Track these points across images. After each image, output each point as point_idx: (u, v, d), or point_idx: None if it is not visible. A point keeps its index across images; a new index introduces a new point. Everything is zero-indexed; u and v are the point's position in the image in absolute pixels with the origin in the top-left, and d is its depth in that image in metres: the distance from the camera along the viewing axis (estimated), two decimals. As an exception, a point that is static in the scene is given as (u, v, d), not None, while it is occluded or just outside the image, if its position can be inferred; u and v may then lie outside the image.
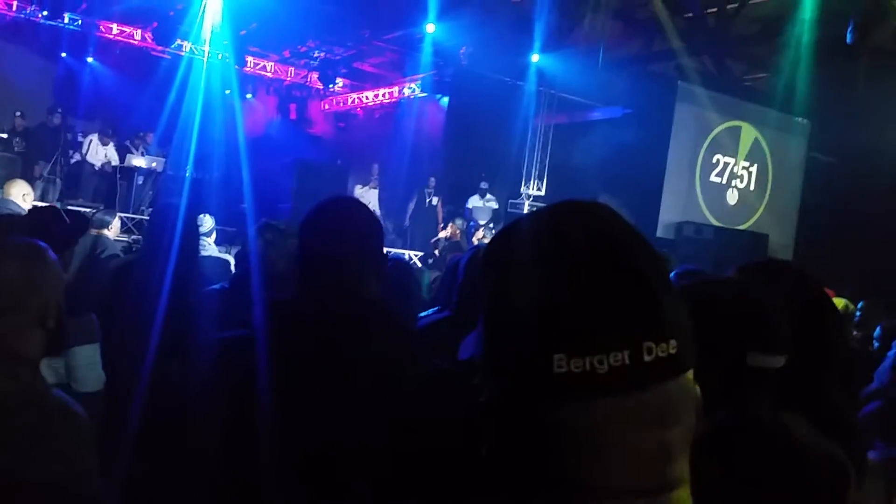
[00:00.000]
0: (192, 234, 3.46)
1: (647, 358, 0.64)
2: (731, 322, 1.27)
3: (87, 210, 9.71)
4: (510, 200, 13.40)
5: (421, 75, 14.27)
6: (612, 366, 0.63)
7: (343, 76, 16.38)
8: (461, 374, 1.72)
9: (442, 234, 12.83)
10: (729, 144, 13.74)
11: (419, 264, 12.37)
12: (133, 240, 9.65)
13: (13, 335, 1.58)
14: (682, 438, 0.68)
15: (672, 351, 0.65)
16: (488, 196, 13.20)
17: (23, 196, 5.55)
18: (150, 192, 11.89)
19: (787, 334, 1.30)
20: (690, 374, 0.69)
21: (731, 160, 13.84)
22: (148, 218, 9.95)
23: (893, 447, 2.54)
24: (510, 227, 0.75)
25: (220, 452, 1.52)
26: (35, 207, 3.89)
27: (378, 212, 13.56)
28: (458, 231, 12.75)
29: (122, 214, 9.72)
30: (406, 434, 1.51)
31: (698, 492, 0.71)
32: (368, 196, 13.38)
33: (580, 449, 0.65)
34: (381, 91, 16.48)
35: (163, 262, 3.03)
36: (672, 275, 3.18)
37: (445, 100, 15.17)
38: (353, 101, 17.43)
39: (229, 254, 7.00)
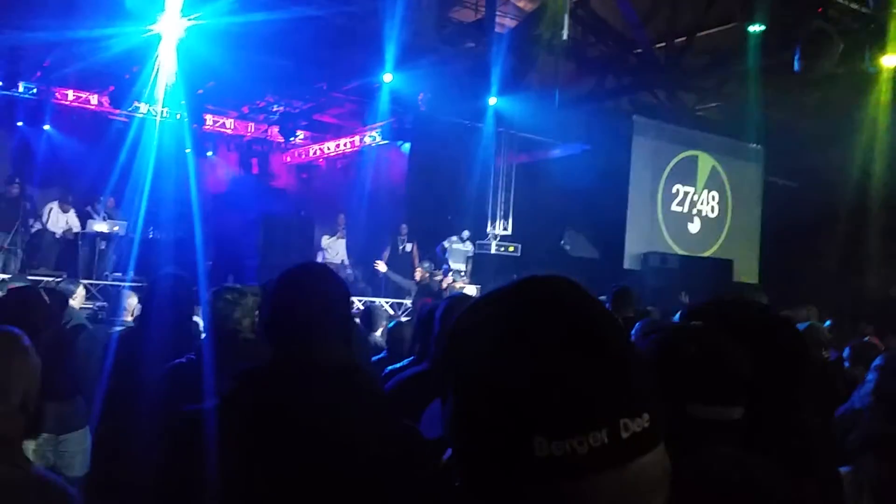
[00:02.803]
0: (189, 304, 3.45)
1: (624, 435, 0.65)
2: (671, 372, 1.27)
3: (50, 279, 9.56)
4: (478, 241, 13.46)
5: (381, 123, 14.37)
6: (591, 446, 0.64)
7: (303, 128, 16.43)
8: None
9: (416, 278, 12.83)
10: (687, 174, 14.01)
11: (391, 311, 12.32)
12: (98, 307, 9.49)
13: (3, 422, 1.65)
14: None
15: (646, 425, 0.66)
16: (467, 243, 13.24)
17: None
18: (113, 257, 11.76)
19: (738, 384, 1.29)
20: (662, 447, 0.69)
21: (691, 189, 14.09)
22: (146, 286, 9.86)
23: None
24: (477, 307, 0.75)
25: None
26: (14, 289, 3.83)
27: (346, 261, 13.53)
28: (426, 274, 12.73)
29: (86, 281, 9.57)
30: (380, 499, 1.51)
31: None
32: (336, 246, 13.35)
33: None
34: (343, 141, 16.55)
35: (163, 335, 3.01)
36: (635, 329, 3.21)
37: (407, 146, 15.28)
38: (315, 153, 17.47)
39: (197, 315, 6.91)
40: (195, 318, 5.97)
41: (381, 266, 12.42)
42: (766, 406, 1.37)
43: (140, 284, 6.77)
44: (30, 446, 2.30)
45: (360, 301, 12.07)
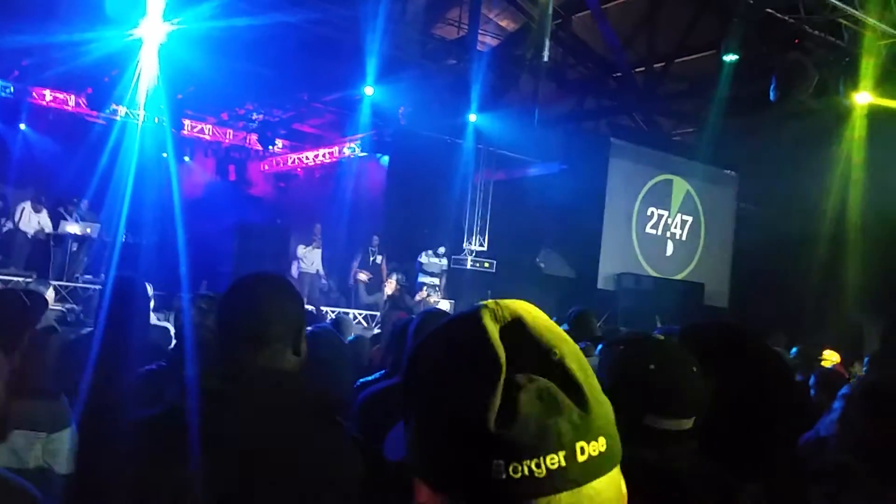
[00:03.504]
0: (145, 309, 3.41)
1: (580, 458, 0.67)
2: (631, 385, 1.38)
3: (20, 279, 9.44)
4: (453, 256, 13.49)
5: (360, 135, 14.38)
6: (549, 468, 0.66)
7: (282, 137, 16.39)
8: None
9: (387, 291, 12.83)
10: (662, 197, 14.16)
11: (364, 324, 12.31)
12: (67, 309, 9.38)
13: None
14: None
15: (602, 448, 0.68)
16: (443, 258, 13.25)
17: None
18: (85, 259, 11.63)
19: (690, 399, 1.40)
20: (618, 469, 0.71)
21: (665, 212, 14.24)
22: (93, 288, 9.76)
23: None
24: (437, 332, 0.76)
25: None
26: None
27: (321, 271, 13.49)
28: (398, 287, 12.74)
29: (56, 283, 9.47)
30: None
31: None
32: (312, 256, 13.31)
33: None
34: (322, 151, 16.53)
35: (120, 339, 2.98)
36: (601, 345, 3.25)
37: (386, 158, 15.31)
38: (294, 162, 17.42)
39: (168, 321, 6.85)
40: (166, 324, 5.94)
41: (363, 275, 12.40)
42: (725, 419, 1.45)
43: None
44: (18, 445, 2.29)
45: (332, 312, 12.04)
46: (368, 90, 11.47)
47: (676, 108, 13.57)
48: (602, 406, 0.71)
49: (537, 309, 0.76)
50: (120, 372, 2.75)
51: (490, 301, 0.76)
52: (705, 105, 12.06)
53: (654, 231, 14.04)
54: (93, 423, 2.57)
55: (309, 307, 10.90)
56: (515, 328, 0.73)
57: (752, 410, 1.60)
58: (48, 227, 11.63)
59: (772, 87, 9.42)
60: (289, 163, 17.55)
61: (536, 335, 0.72)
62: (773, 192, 13.04)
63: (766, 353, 1.77)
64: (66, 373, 2.84)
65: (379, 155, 15.29)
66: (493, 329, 0.72)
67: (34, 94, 13.20)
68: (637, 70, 12.09)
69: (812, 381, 4.68)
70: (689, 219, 14.55)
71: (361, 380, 3.43)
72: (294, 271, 13.01)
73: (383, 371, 3.36)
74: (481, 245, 14.06)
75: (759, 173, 13.49)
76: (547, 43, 9.27)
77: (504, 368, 0.69)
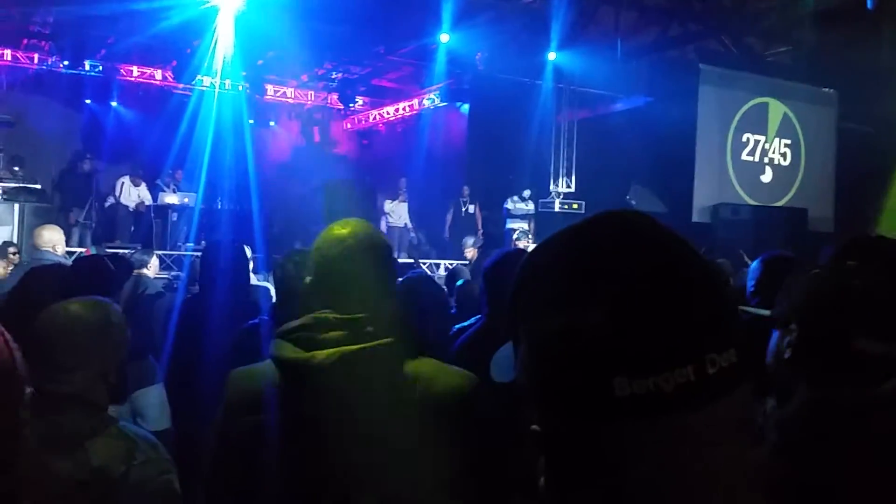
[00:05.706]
0: (244, 268, 3.50)
1: (710, 371, 0.61)
2: (837, 310, 1.29)
3: (125, 251, 9.87)
4: (540, 200, 13.32)
5: (439, 85, 14.30)
6: (677, 383, 0.60)
7: (362, 94, 16.45)
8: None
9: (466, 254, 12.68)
10: (757, 122, 13.57)
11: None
12: (172, 276, 9.77)
13: (90, 386, 1.75)
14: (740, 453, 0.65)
15: (733, 360, 0.62)
16: (529, 202, 13.08)
17: (53, 246, 5.54)
18: (185, 228, 12.06)
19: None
20: (748, 384, 0.65)
21: (762, 137, 13.65)
22: (195, 255, 10.17)
23: None
24: (546, 245, 0.71)
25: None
26: (80, 257, 4.02)
27: (409, 224, 13.59)
28: (474, 253, 12.55)
29: (160, 252, 9.85)
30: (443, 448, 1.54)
31: None
32: (399, 210, 13.40)
33: (645, 469, 0.62)
34: (402, 104, 16.53)
35: (220, 299, 3.09)
36: (759, 260, 3.08)
37: (466, 106, 15.17)
38: (375, 118, 17.50)
39: (268, 281, 7.04)
40: (265, 284, 6.10)
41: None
42: None
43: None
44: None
45: (424, 263, 12.11)
46: (444, 37, 11.34)
47: (768, 26, 12.83)
48: (731, 316, 0.65)
49: (654, 218, 0.69)
50: (209, 330, 2.86)
51: (601, 211, 0.70)
52: (798, 21, 11.39)
53: (750, 158, 13.50)
54: (179, 379, 2.67)
55: (408, 260, 11.04)
56: (630, 235, 0.66)
57: None
58: (148, 200, 12.09)
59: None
60: (370, 119, 17.63)
61: (654, 242, 0.66)
62: (877, 110, 12.29)
63: None
64: (163, 334, 2.95)
65: (459, 103, 15.16)
66: (607, 237, 0.66)
67: (122, 70, 13.62)
68: (723, -10, 11.50)
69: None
70: (788, 142, 13.91)
71: (457, 326, 3.42)
72: (382, 226, 13.13)
73: (479, 316, 3.34)
74: (568, 186, 13.83)
75: (861, 90, 12.71)
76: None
77: (620, 277, 0.63)
